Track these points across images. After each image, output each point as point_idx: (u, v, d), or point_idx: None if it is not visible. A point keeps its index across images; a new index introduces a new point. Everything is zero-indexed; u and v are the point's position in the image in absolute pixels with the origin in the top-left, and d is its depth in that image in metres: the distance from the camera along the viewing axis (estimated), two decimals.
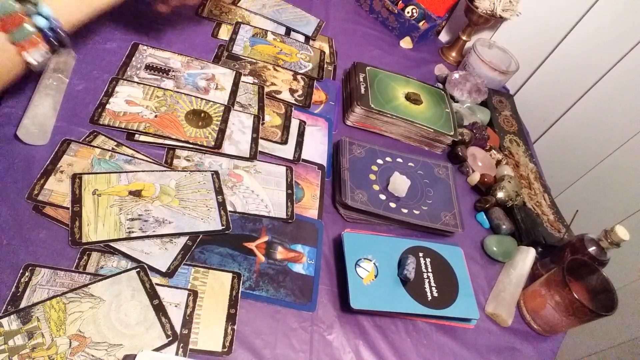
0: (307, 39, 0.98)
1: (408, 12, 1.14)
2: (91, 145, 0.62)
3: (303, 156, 0.75)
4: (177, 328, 0.51)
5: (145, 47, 0.78)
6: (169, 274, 0.55)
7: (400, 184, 0.74)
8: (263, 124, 0.76)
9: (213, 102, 0.74)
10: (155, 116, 0.68)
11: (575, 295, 0.66)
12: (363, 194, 0.72)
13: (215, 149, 0.69)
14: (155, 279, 0.54)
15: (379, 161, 0.79)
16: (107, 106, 0.67)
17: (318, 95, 0.87)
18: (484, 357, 0.66)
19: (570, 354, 1.36)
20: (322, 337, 0.58)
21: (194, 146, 0.68)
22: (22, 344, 0.45)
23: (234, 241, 0.61)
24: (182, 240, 0.58)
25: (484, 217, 0.85)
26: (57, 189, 0.57)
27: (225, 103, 0.75)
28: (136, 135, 0.66)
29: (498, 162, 0.95)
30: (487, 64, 1.08)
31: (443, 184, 0.81)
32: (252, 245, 0.62)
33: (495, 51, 1.15)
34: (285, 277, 0.61)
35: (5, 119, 0.60)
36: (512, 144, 1.03)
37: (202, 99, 0.74)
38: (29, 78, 0.65)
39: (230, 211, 0.63)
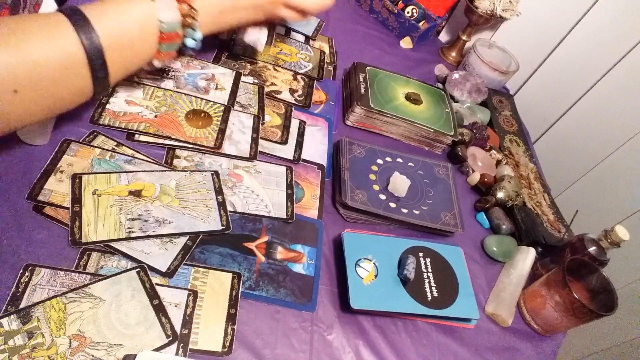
0: (307, 38, 0.98)
1: (408, 12, 1.14)
2: (91, 145, 0.62)
3: (303, 156, 0.75)
4: (177, 328, 0.51)
5: None
6: (169, 274, 0.55)
7: (400, 184, 0.74)
8: (263, 124, 0.76)
9: (213, 102, 0.74)
10: (155, 116, 0.68)
11: (575, 295, 0.66)
12: (363, 194, 0.72)
13: (215, 149, 0.69)
14: (155, 279, 0.54)
15: (379, 161, 0.79)
16: (107, 106, 0.67)
17: (318, 95, 0.87)
18: (484, 357, 0.66)
19: (570, 354, 1.36)
20: (322, 337, 0.58)
21: (194, 146, 0.68)
22: (22, 344, 0.45)
23: (234, 241, 0.61)
24: (182, 240, 0.58)
25: (484, 217, 0.85)
26: (57, 189, 0.57)
27: (225, 103, 0.75)
28: (136, 135, 0.66)
29: (498, 162, 0.95)
30: (487, 64, 1.08)
31: (443, 184, 0.81)
32: (252, 245, 0.62)
33: (495, 51, 1.16)
34: (285, 277, 0.61)
35: None
36: (512, 144, 1.03)
37: (202, 99, 0.74)
38: None
39: (230, 211, 0.63)
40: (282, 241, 0.64)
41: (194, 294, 0.54)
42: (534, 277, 0.78)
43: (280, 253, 0.63)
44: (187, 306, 0.53)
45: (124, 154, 0.63)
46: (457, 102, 1.04)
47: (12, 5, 0.61)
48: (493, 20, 1.13)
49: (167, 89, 0.73)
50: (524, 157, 0.99)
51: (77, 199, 0.56)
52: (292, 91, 0.84)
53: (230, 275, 0.57)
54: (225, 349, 0.52)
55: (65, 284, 0.50)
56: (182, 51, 0.60)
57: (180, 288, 0.54)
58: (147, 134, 0.66)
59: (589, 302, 0.69)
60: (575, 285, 0.71)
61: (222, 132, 0.71)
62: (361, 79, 0.90)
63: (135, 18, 0.52)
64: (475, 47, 1.10)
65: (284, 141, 0.75)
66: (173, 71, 0.76)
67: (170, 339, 0.50)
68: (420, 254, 0.69)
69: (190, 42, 0.58)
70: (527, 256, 0.79)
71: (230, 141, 0.71)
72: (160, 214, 0.59)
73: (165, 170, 0.64)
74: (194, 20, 0.57)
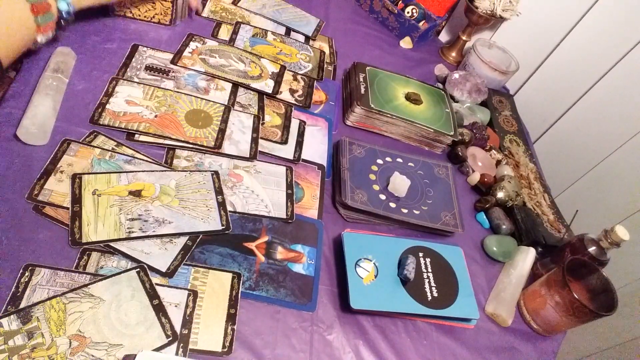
0: (307, 39, 0.98)
1: (408, 12, 1.14)
2: (91, 145, 0.62)
3: (303, 156, 0.75)
4: (177, 328, 0.51)
5: (145, 49, 0.78)
6: (169, 274, 0.55)
7: (400, 184, 0.74)
8: (263, 124, 0.76)
9: (213, 102, 0.74)
10: (155, 116, 0.68)
11: (575, 295, 0.66)
12: (363, 194, 0.72)
13: (215, 149, 0.69)
14: (155, 279, 0.54)
15: (379, 161, 0.79)
16: (107, 106, 0.67)
17: (318, 95, 0.87)
18: (484, 357, 0.66)
19: (570, 354, 1.36)
20: (322, 337, 0.58)
21: (194, 146, 0.68)
22: (22, 344, 0.45)
23: (234, 241, 0.61)
24: (182, 240, 0.58)
25: (484, 217, 0.85)
26: (57, 189, 0.57)
27: (225, 103, 0.75)
28: (136, 135, 0.66)
29: (498, 162, 0.95)
30: (487, 64, 1.08)
31: (443, 184, 0.81)
32: (252, 245, 0.62)
33: (495, 51, 1.15)
34: (285, 277, 0.61)
35: (5, 119, 0.60)
36: (512, 144, 1.03)
37: (202, 99, 0.74)
38: (29, 78, 0.65)
39: (230, 211, 0.63)
40: (282, 241, 0.64)
41: (194, 294, 0.54)
42: (534, 277, 0.78)
43: (280, 253, 0.63)
44: (187, 306, 0.53)
45: (124, 154, 0.63)
46: (457, 102, 1.04)
47: None
48: (493, 20, 1.13)
49: (167, 89, 0.73)
50: (524, 157, 0.99)
51: (77, 199, 0.56)
52: (292, 91, 0.84)
53: (230, 275, 0.57)
54: (225, 349, 0.52)
55: (65, 284, 0.50)
56: (61, 20, 0.60)
57: (180, 288, 0.54)
58: (147, 134, 0.66)
59: (589, 302, 0.69)
60: (575, 285, 0.71)
61: (222, 132, 0.71)
62: (361, 79, 0.90)
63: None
64: (475, 47, 1.10)
65: (284, 141, 0.75)
66: (173, 72, 0.76)
67: (170, 339, 0.50)
68: (420, 254, 0.69)
69: (63, 6, 0.59)
70: (527, 256, 0.79)
71: (230, 141, 0.71)
72: (160, 214, 0.59)
73: (165, 170, 0.64)
74: None
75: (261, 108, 0.78)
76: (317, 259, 0.65)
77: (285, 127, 0.77)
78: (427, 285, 0.65)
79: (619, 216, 1.17)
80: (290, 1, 1.04)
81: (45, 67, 0.66)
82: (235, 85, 0.79)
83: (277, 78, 0.84)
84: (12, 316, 0.46)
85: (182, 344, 0.50)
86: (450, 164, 0.86)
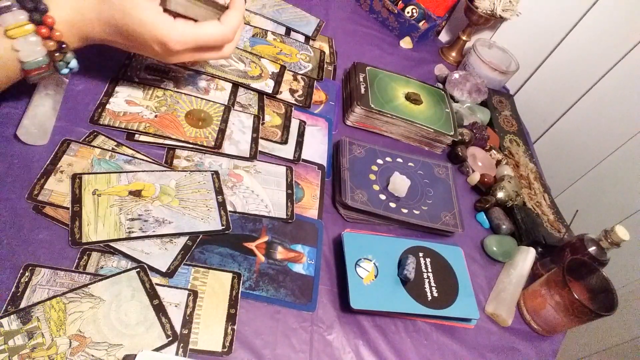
0: (307, 39, 0.98)
1: (408, 12, 1.14)
2: (91, 145, 0.62)
3: (303, 156, 0.75)
4: (177, 328, 0.51)
5: None
6: (169, 274, 0.55)
7: (400, 184, 0.74)
8: (263, 124, 0.76)
9: (213, 102, 0.74)
10: (155, 116, 0.68)
11: (575, 295, 0.66)
12: (363, 194, 0.72)
13: (215, 149, 0.69)
14: (155, 279, 0.54)
15: (379, 161, 0.79)
16: (107, 106, 0.67)
17: (318, 95, 0.87)
18: (484, 357, 0.66)
19: (570, 354, 1.36)
20: (322, 337, 0.58)
21: (194, 146, 0.68)
22: (22, 344, 0.45)
23: (234, 241, 0.61)
24: (182, 240, 0.58)
25: (484, 217, 0.85)
26: (57, 189, 0.57)
27: (226, 103, 0.75)
28: (136, 135, 0.66)
29: (498, 162, 0.95)
30: (487, 64, 1.08)
31: (443, 184, 0.81)
32: (252, 245, 0.62)
33: (495, 51, 1.16)
34: (285, 277, 0.61)
35: (5, 119, 0.60)
36: (512, 144, 1.03)
37: (202, 99, 0.74)
38: None
39: (230, 211, 0.63)
40: (282, 241, 0.64)
41: (194, 294, 0.54)
42: (534, 277, 0.78)
43: (280, 253, 0.63)
44: (187, 306, 0.53)
45: (124, 154, 0.63)
46: (457, 102, 1.04)
47: None
48: (493, 20, 1.13)
49: (167, 89, 0.73)
50: (524, 157, 0.99)
51: (77, 199, 0.56)
52: (292, 91, 0.84)
53: (230, 275, 0.57)
54: (225, 349, 0.52)
55: (65, 284, 0.50)
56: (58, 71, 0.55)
57: (180, 288, 0.54)
58: (147, 134, 0.66)
59: (589, 302, 0.69)
60: (575, 285, 0.71)
61: (222, 132, 0.71)
62: (361, 79, 0.90)
63: None
64: (475, 47, 1.10)
65: (284, 141, 0.75)
66: (173, 72, 0.76)
67: (170, 339, 0.50)
68: (420, 254, 0.69)
69: (65, 71, 0.55)
70: (527, 256, 0.79)
71: (230, 141, 0.71)
72: (160, 214, 0.59)
73: (165, 170, 0.64)
74: (65, 55, 0.53)
75: (261, 108, 0.78)
76: (317, 259, 0.65)
77: (285, 127, 0.77)
78: (427, 285, 0.65)
79: (619, 216, 1.18)
80: (290, 1, 1.04)
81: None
82: (235, 85, 0.79)
83: (277, 78, 0.84)
84: (12, 316, 0.46)
85: (182, 344, 0.50)
86: (450, 164, 0.86)
